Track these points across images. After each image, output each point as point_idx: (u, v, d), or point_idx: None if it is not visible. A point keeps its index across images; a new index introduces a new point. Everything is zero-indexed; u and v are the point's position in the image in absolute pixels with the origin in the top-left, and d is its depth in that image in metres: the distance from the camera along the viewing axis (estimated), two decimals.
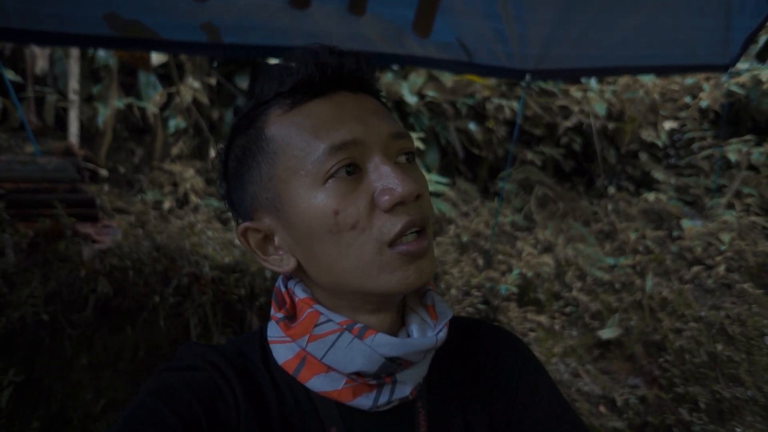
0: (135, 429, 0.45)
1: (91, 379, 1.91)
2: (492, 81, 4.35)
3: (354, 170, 0.50)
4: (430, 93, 4.28)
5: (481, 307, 2.78)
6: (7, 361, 1.83)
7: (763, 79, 4.31)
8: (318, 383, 0.53)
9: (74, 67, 3.72)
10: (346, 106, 0.52)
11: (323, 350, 0.52)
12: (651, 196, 4.02)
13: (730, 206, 3.75)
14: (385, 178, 0.49)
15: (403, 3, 1.97)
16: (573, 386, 2.41)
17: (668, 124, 4.62)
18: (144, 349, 2.01)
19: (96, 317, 2.01)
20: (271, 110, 0.53)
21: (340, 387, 0.52)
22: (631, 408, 2.30)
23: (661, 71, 3.47)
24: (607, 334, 2.70)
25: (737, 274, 3.00)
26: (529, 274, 3.04)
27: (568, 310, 2.96)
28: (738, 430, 2.15)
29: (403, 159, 0.53)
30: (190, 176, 3.70)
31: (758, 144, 4.08)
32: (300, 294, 0.55)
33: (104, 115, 3.78)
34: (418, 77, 4.30)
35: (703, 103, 4.43)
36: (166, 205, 3.48)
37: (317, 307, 0.54)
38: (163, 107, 4.01)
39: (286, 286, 0.57)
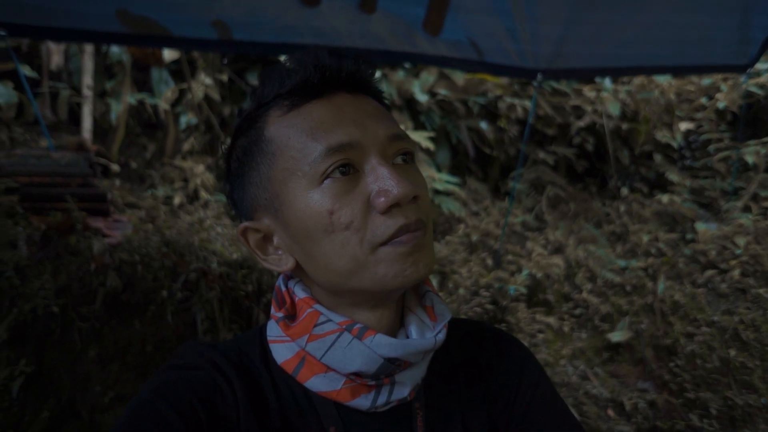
0: (137, 426, 0.46)
1: (99, 371, 1.93)
2: (504, 80, 4.31)
3: (349, 170, 0.50)
4: (442, 91, 4.25)
5: (490, 307, 2.76)
6: (18, 351, 1.86)
7: None
8: (317, 383, 0.53)
9: (88, 63, 3.77)
10: (344, 108, 0.52)
11: (323, 350, 0.52)
12: (665, 198, 3.95)
13: (746, 209, 3.67)
14: (381, 179, 0.49)
15: (413, 0, 1.96)
16: (581, 389, 2.38)
17: (684, 125, 4.54)
18: (152, 343, 2.03)
19: (105, 311, 2.03)
20: (270, 111, 0.53)
21: (339, 387, 0.52)
22: (639, 412, 2.27)
23: (677, 71, 3.40)
24: (616, 336, 2.66)
25: (752, 279, 2.94)
26: (539, 274, 3.01)
27: (577, 311, 2.92)
28: None
29: (400, 160, 0.53)
30: (200, 172, 3.73)
31: None
32: (300, 293, 0.56)
33: (117, 110, 3.83)
34: (429, 75, 4.28)
35: (721, 104, 4.34)
36: (177, 200, 3.51)
37: (317, 306, 0.54)
38: (175, 103, 4.04)
39: (286, 286, 0.58)
